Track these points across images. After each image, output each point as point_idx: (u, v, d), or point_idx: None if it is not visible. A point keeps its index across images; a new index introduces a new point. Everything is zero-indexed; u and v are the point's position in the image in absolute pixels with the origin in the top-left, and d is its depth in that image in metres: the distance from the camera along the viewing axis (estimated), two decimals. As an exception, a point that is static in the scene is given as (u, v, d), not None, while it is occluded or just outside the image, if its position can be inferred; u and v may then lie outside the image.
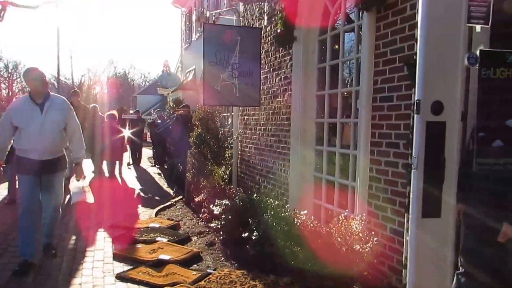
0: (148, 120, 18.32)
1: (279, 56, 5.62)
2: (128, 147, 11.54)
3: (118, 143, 9.31)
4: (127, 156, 12.06)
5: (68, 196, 6.17)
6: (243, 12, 7.03)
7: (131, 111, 16.29)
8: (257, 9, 6.37)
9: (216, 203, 5.16)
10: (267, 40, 5.98)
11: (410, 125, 2.87)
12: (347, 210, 4.09)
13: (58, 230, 4.76)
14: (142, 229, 5.51)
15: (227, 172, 7.26)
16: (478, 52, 1.76)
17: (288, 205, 4.82)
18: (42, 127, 4.01)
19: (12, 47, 76.01)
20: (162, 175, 11.24)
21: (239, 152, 7.11)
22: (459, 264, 2.14)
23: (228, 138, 7.63)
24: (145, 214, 6.58)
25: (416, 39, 2.19)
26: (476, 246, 2.08)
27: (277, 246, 3.85)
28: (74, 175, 4.58)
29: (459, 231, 2.12)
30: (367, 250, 3.36)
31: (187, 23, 18.61)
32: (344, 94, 4.49)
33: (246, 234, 4.27)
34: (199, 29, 14.81)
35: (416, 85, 1.67)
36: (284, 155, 5.41)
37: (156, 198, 8.05)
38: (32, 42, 74.80)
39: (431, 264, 1.75)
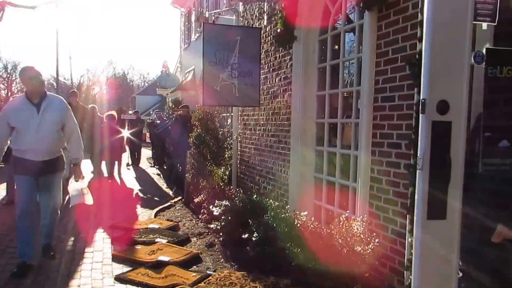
0: (147, 121, 18.30)
1: (279, 56, 5.60)
2: (127, 147, 11.52)
3: (117, 144, 9.29)
4: (126, 157, 12.03)
5: (67, 197, 6.14)
6: (243, 12, 7.01)
7: (130, 112, 16.25)
8: (257, 9, 6.35)
9: (215, 204, 5.14)
10: (266, 40, 5.95)
11: (412, 125, 2.84)
12: (348, 211, 4.06)
13: (57, 231, 4.73)
14: (141, 230, 5.48)
15: (227, 173, 7.23)
16: (484, 50, 1.74)
17: (288, 206, 4.79)
18: (39, 128, 3.96)
19: (11, 47, 75.97)
20: (161, 175, 11.22)
21: (239, 152, 7.08)
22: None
23: (228, 139, 7.60)
24: (144, 215, 6.55)
25: (420, 38, 2.16)
26: (476, 246, 2.06)
27: (277, 247, 3.82)
28: (73, 176, 4.55)
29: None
30: (368, 251, 3.33)
31: (186, 23, 18.61)
32: (344, 94, 4.47)
33: (246, 235, 4.24)
34: (198, 29, 14.80)
35: (421, 84, 1.64)
36: (284, 155, 5.38)
37: (156, 198, 8.02)
38: (31, 42, 74.91)
39: (436, 267, 1.72)
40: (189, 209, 6.80)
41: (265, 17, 5.97)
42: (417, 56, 2.63)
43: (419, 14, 2.81)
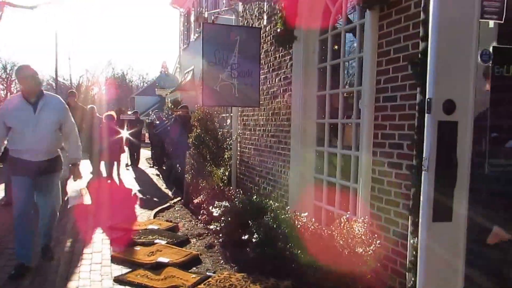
0: (147, 121, 18.26)
1: (279, 56, 5.57)
2: (126, 148, 11.48)
3: (116, 144, 9.25)
4: (125, 157, 11.99)
5: (66, 198, 6.10)
6: (242, 11, 6.98)
7: (129, 112, 16.19)
8: (257, 9, 6.32)
9: (215, 205, 5.10)
10: (266, 40, 5.92)
11: (415, 125, 2.81)
12: (348, 212, 4.02)
13: (56, 232, 4.70)
14: (140, 231, 5.44)
15: (226, 173, 7.20)
16: (491, 49, 1.71)
17: (288, 207, 4.76)
18: (36, 127, 3.91)
19: (11, 48, 75.86)
20: (161, 176, 11.19)
21: (238, 153, 7.05)
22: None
23: (227, 139, 7.56)
24: (144, 216, 6.51)
25: (422, 37, 2.13)
26: (477, 248, 2.04)
27: (277, 248, 3.79)
28: (72, 176, 4.51)
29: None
30: (369, 253, 3.30)
31: (186, 23, 18.57)
32: (345, 94, 4.44)
33: (246, 237, 4.20)
34: (197, 29, 14.77)
35: (427, 83, 1.60)
36: (284, 156, 5.35)
37: (155, 199, 7.99)
38: (30, 42, 74.59)
39: (441, 269, 1.69)
40: (189, 210, 6.76)
41: (265, 17, 5.94)
42: (419, 55, 2.60)
43: (421, 13, 2.78)
